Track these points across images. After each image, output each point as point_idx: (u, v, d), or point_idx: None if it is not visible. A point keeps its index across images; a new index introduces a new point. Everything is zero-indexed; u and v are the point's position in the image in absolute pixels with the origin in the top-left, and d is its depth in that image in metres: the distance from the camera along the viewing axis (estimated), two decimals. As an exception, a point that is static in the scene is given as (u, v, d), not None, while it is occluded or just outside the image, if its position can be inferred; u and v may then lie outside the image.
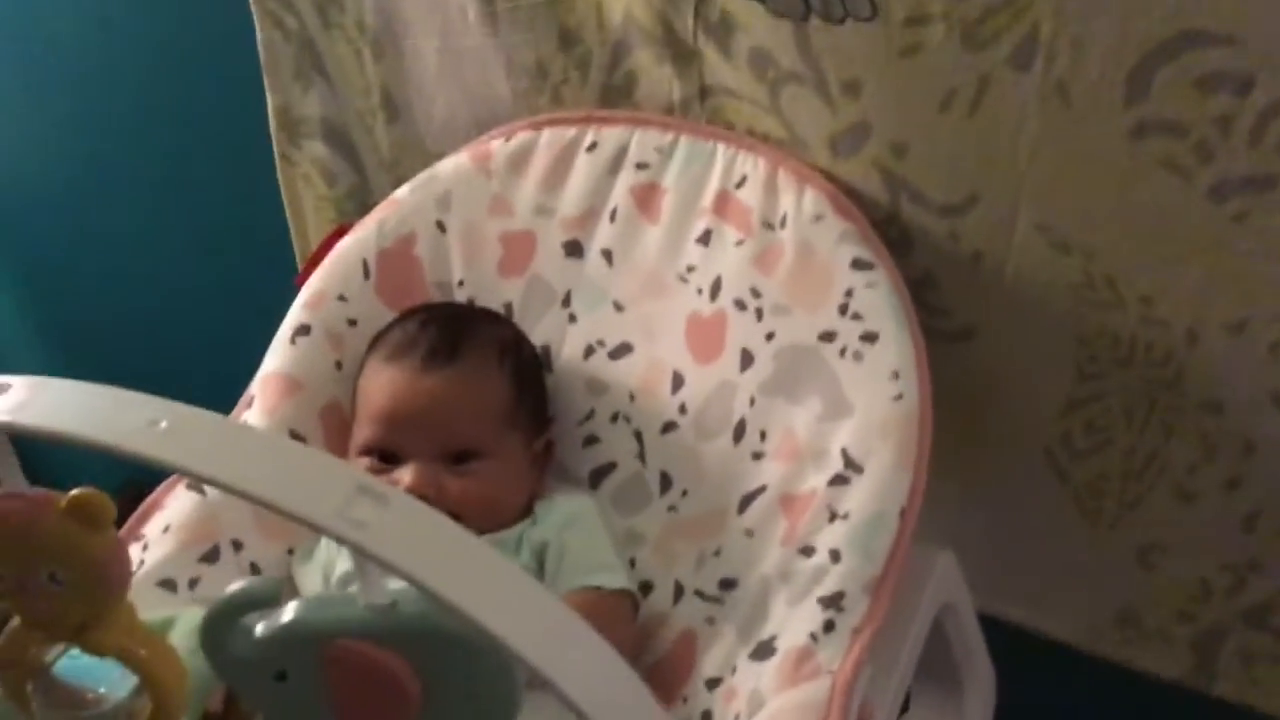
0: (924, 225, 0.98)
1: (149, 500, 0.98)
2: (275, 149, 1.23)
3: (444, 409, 0.95)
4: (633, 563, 0.97)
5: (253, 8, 1.21)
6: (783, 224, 0.98)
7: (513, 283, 1.06)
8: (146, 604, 0.89)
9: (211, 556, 0.96)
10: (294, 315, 1.05)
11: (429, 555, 0.51)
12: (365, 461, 0.95)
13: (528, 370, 1.01)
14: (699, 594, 0.93)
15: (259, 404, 1.02)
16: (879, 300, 0.93)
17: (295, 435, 1.01)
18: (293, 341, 1.04)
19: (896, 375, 0.91)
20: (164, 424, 0.53)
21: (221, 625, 0.55)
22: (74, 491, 0.61)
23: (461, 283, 1.07)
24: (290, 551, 0.99)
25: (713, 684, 0.87)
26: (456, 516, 0.91)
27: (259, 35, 1.22)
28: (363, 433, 0.97)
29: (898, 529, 0.87)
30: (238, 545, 0.97)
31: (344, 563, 0.94)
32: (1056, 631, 1.14)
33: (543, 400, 1.02)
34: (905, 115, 0.93)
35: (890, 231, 0.99)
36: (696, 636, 0.91)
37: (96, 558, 0.62)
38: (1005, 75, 0.87)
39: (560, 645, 0.52)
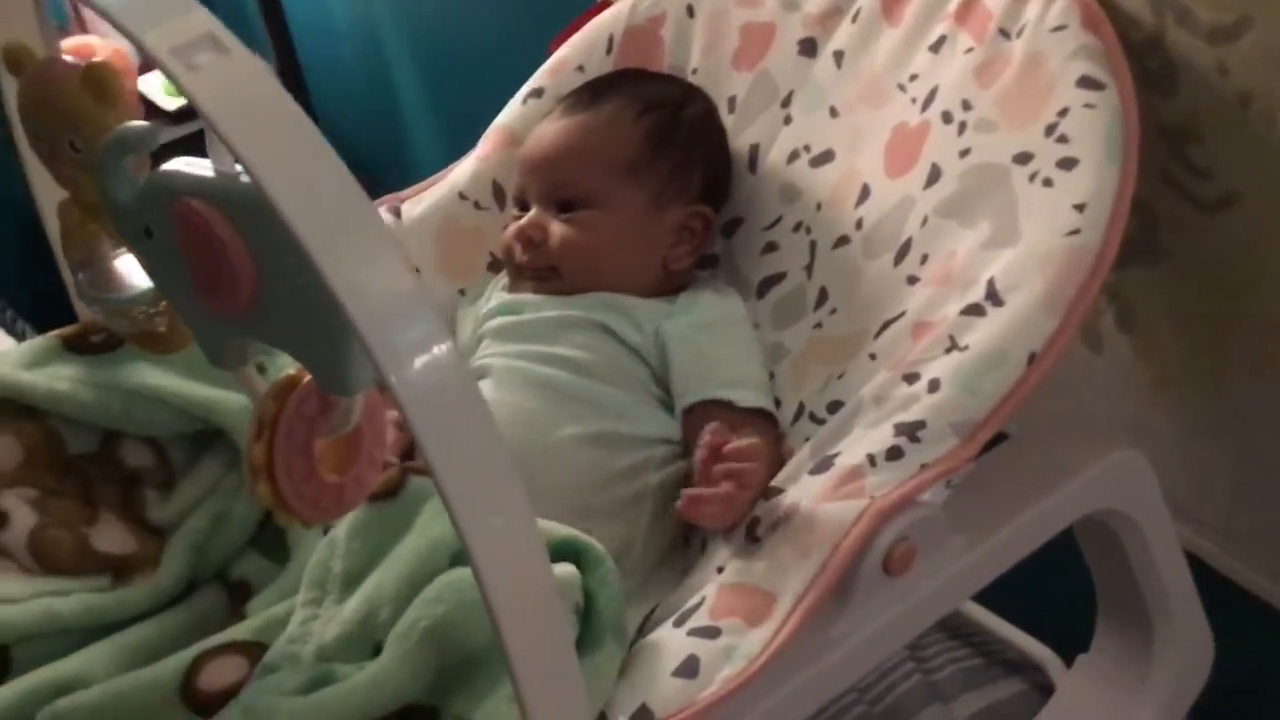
0: (1190, 55, 0.80)
1: (352, 216, 1.03)
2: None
3: (559, 153, 0.94)
4: (771, 376, 0.90)
5: None
6: (1019, 33, 0.84)
7: (742, 76, 1.00)
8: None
9: (386, 276, 1.00)
10: (534, 78, 1.06)
11: (239, 106, 0.49)
12: (514, 212, 0.95)
13: (681, 133, 0.95)
14: (811, 416, 0.84)
15: (478, 150, 1.05)
16: (1094, 124, 0.78)
17: (496, 185, 1.02)
18: (524, 101, 1.05)
19: (1081, 208, 0.76)
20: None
21: (108, 168, 0.57)
22: (90, 60, 0.66)
23: (695, 70, 1.02)
24: (461, 292, 1.02)
25: (772, 493, 0.78)
26: (554, 268, 0.91)
27: None
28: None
29: (1020, 375, 0.73)
30: (415, 272, 1.01)
31: (490, 302, 0.95)
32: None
33: (700, 173, 0.95)
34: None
35: (1151, 62, 0.83)
36: (791, 454, 0.82)
37: (106, 127, 0.66)
38: None
39: (334, 221, 0.48)
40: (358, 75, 1.99)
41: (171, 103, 1.85)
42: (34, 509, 0.81)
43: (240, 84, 0.50)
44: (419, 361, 0.49)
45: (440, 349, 0.49)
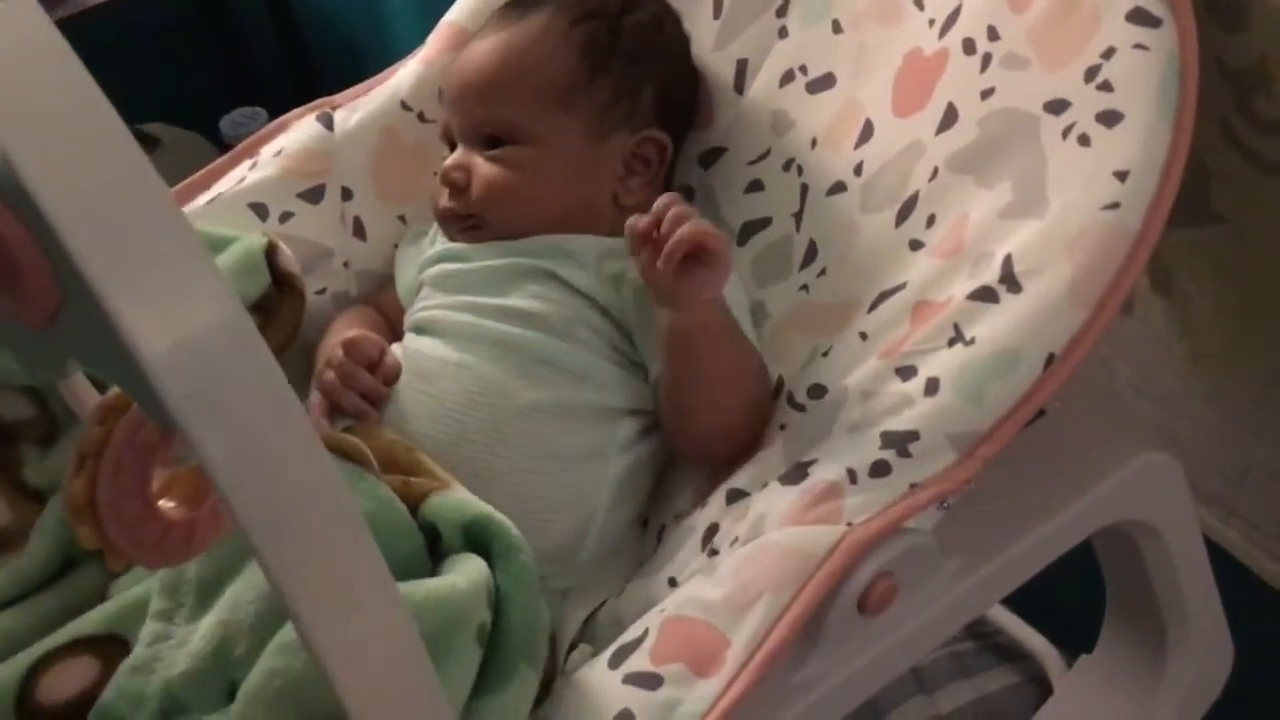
0: (1268, -14, 0.66)
1: (278, 121, 0.90)
2: None
3: (480, 80, 0.80)
4: (750, 342, 0.78)
5: None
6: (1064, -53, 0.70)
7: (731, -27, 0.85)
8: (230, 222, 0.84)
9: (314, 195, 0.87)
10: (492, -37, 0.92)
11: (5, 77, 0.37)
12: (444, 152, 0.82)
13: (623, 45, 0.80)
14: (790, 398, 0.72)
15: (424, 50, 0.91)
16: (1144, 70, 0.64)
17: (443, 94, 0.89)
18: (480, -11, 0.91)
19: (1123, 177, 0.63)
20: None
21: None
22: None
23: (678, -32, 0.88)
24: (402, 219, 0.89)
25: (735, 496, 0.67)
26: (477, 216, 0.78)
27: None
28: None
29: (1035, 380, 0.62)
30: (347, 193, 0.88)
31: (434, 246, 0.83)
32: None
33: (651, 91, 0.81)
34: None
35: (1221, -12, 0.69)
36: (763, 443, 0.71)
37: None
38: None
39: (125, 236, 0.37)
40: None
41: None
42: (-116, 480, 0.70)
43: (12, 45, 0.38)
44: (234, 419, 0.37)
45: (267, 399, 0.38)
